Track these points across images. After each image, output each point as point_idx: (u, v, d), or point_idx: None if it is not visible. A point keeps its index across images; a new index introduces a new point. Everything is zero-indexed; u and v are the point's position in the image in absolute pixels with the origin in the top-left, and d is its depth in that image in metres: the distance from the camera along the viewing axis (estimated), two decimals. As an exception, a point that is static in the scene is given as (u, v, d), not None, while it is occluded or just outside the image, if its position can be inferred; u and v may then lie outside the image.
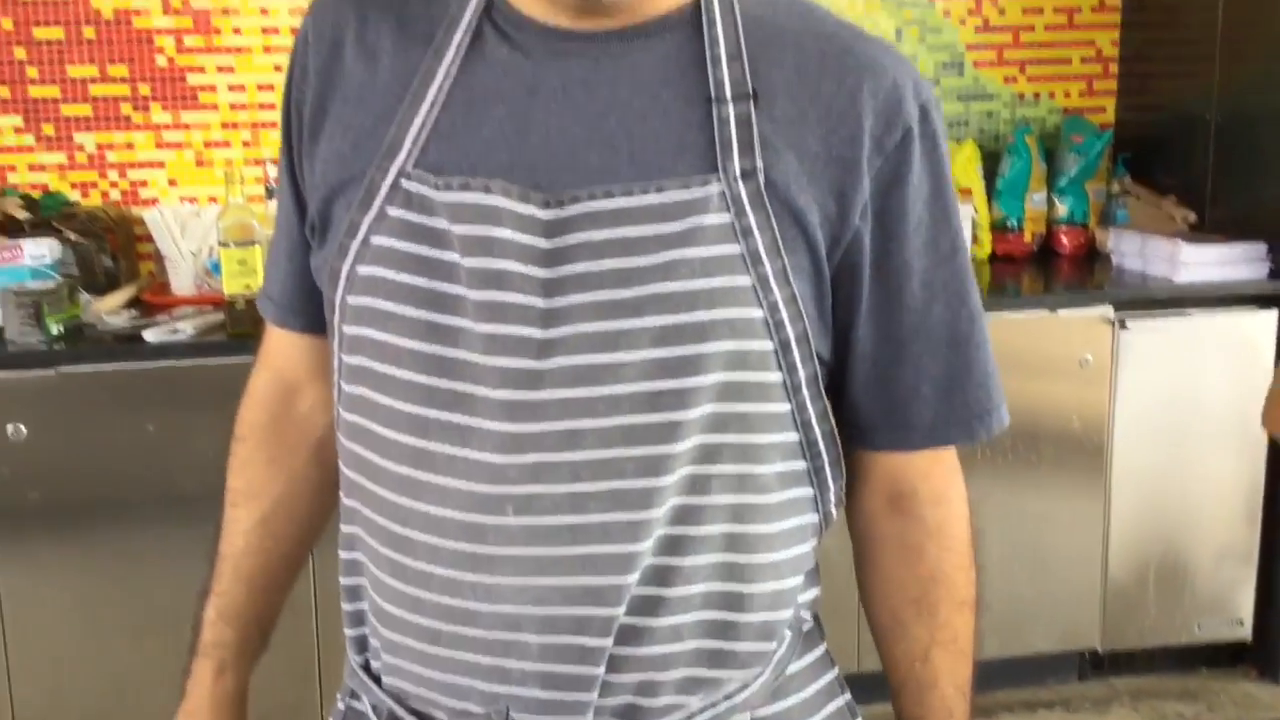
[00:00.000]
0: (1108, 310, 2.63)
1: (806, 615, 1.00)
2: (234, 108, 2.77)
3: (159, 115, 2.74)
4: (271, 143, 2.73)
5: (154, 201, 2.76)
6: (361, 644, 0.99)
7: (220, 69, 2.75)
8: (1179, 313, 2.67)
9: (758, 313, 0.88)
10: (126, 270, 2.68)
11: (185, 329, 2.32)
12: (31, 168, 2.72)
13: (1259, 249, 2.70)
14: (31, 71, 2.68)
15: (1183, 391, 2.69)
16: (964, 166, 2.99)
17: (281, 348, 1.07)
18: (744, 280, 0.87)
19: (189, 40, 2.73)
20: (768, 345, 0.89)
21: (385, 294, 0.89)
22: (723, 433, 0.88)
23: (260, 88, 2.76)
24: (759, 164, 0.88)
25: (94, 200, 2.74)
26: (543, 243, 0.86)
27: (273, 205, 1.11)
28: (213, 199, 2.74)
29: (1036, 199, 3.03)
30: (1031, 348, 2.64)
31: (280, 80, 0.99)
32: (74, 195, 2.73)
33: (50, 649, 2.32)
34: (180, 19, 2.72)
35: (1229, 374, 2.68)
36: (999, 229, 3.03)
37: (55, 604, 2.30)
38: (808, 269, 0.90)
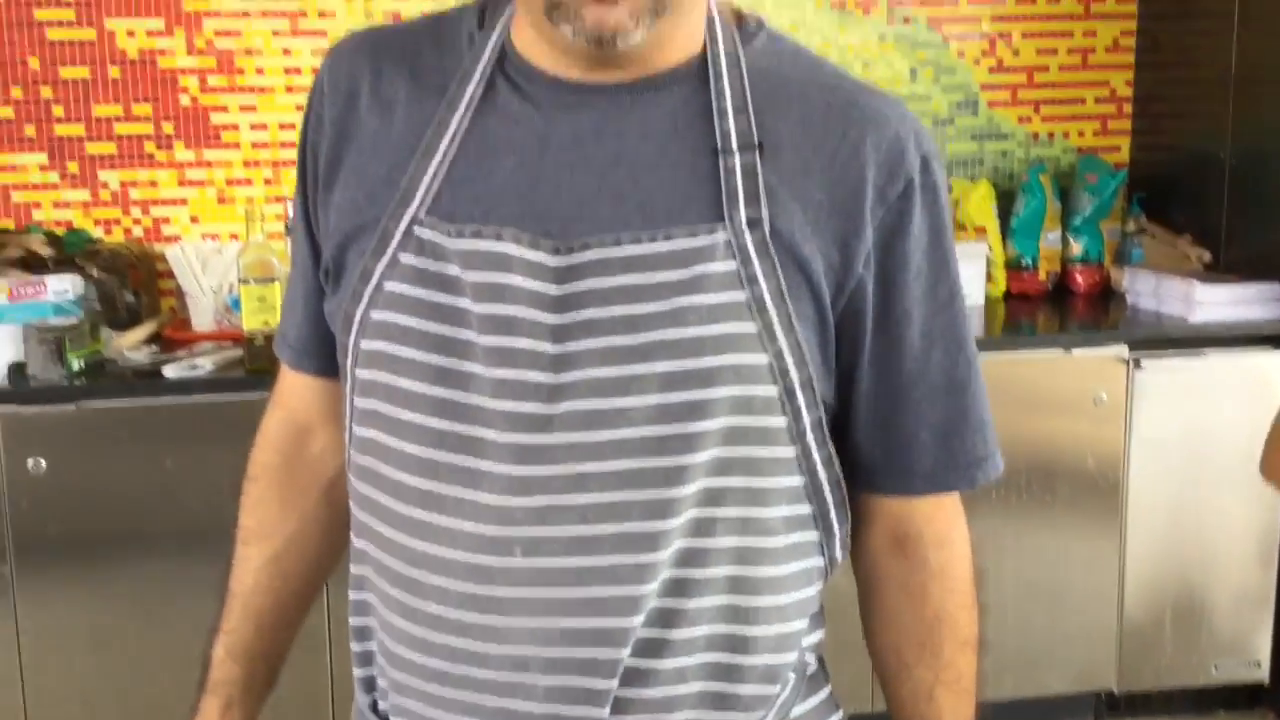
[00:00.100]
0: (1122, 349, 2.64)
1: (811, 658, 1.01)
2: (256, 146, 2.81)
3: (182, 153, 2.79)
4: (292, 181, 2.76)
5: (176, 238, 2.80)
6: (369, 684, 1.00)
7: (243, 108, 2.79)
8: (1194, 352, 2.67)
9: (763, 358, 0.90)
10: (148, 306, 2.72)
11: (204, 364, 2.34)
12: (56, 205, 2.76)
13: (1274, 289, 2.70)
14: (57, 110, 2.73)
15: (1198, 431, 2.69)
16: (979, 205, 3.00)
17: (295, 390, 1.09)
18: (750, 327, 0.89)
19: (212, 80, 2.77)
20: (772, 390, 0.90)
21: (397, 339, 0.91)
22: (728, 476, 0.90)
23: (282, 126, 2.80)
24: (764, 213, 0.90)
25: (117, 237, 2.78)
26: (552, 289, 0.88)
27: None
28: (234, 236, 2.78)
29: (1051, 238, 3.04)
30: (1046, 386, 2.64)
31: (301, 119, 1.02)
32: (98, 232, 2.77)
33: (67, 679, 2.33)
34: (204, 59, 2.77)
35: (1244, 414, 2.66)
36: (1014, 267, 3.04)
37: (72, 635, 2.32)
38: (812, 316, 0.92)
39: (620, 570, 0.88)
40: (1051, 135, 3.18)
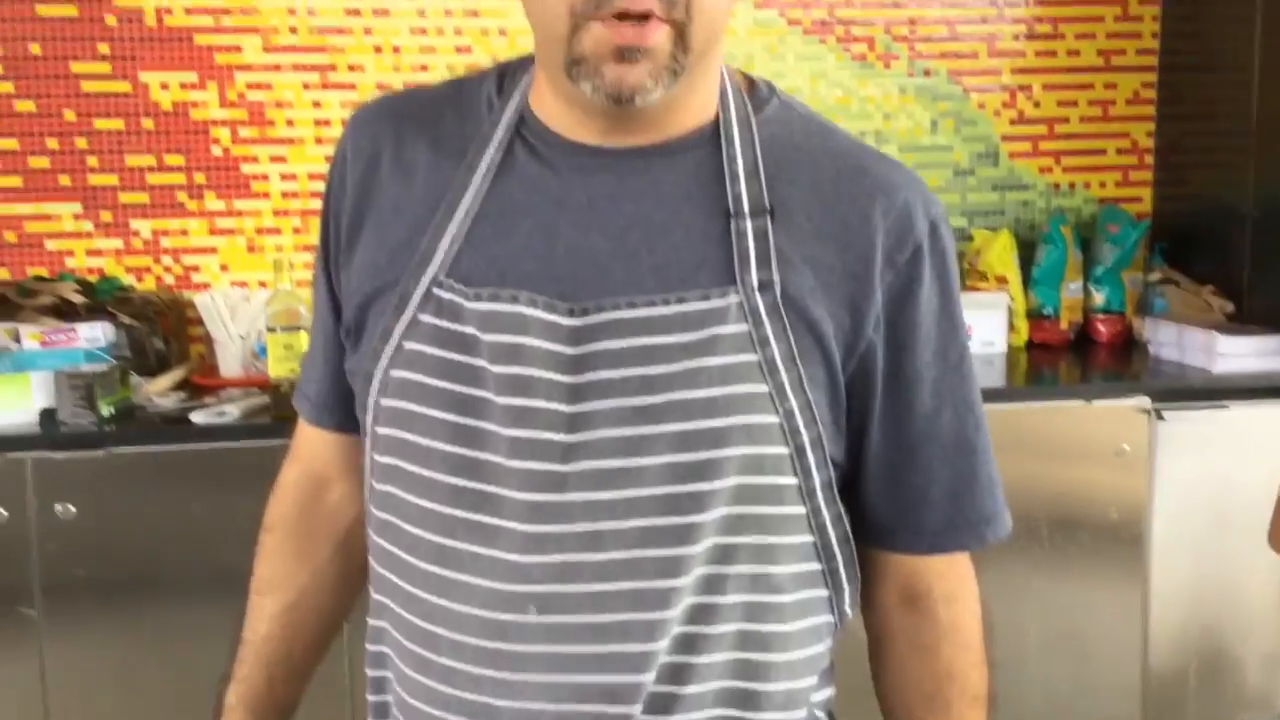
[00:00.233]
0: (1144, 401, 2.63)
1: (821, 715, 1.02)
2: (285, 196, 2.85)
3: (213, 203, 2.84)
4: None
5: (206, 286, 2.84)
6: (385, 735, 1.02)
7: (273, 159, 2.84)
8: (1216, 404, 2.67)
9: (774, 419, 0.91)
10: (177, 352, 2.76)
11: (231, 411, 2.37)
12: (89, 253, 2.81)
13: (1297, 341, 2.69)
14: (92, 161, 2.78)
15: (1221, 483, 2.68)
16: (999, 255, 3.01)
17: (313, 444, 1.11)
18: (761, 388, 0.91)
19: (244, 131, 2.83)
20: (783, 450, 0.92)
21: (416, 397, 0.93)
22: (738, 534, 0.91)
23: (311, 177, 2.85)
24: (775, 276, 0.92)
25: (148, 284, 2.83)
26: (568, 349, 0.90)
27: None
28: (262, 284, 2.82)
29: (1073, 288, 3.05)
30: (1068, 436, 2.64)
31: (325, 183, 1.04)
32: (129, 280, 2.81)
33: (92, 724, 2.35)
34: (236, 111, 2.82)
35: (1268, 466, 2.65)
36: (1035, 316, 3.05)
37: (98, 677, 2.34)
38: (822, 378, 0.94)
39: (633, 627, 0.89)
40: (1073, 186, 3.19)
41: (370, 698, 1.02)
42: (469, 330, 0.92)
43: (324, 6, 2.82)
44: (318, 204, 1.05)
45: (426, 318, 0.93)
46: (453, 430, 0.92)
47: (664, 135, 0.95)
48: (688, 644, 0.91)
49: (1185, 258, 3.08)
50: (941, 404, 0.99)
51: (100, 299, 2.64)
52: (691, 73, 0.90)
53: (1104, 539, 2.67)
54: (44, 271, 2.78)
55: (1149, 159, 3.21)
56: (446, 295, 0.93)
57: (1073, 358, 2.99)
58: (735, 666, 0.93)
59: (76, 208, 2.79)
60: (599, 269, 0.92)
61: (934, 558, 1.02)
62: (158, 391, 2.49)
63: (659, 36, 0.85)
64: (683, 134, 0.95)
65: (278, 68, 2.82)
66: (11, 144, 2.74)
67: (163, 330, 2.70)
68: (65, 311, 2.59)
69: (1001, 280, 3.00)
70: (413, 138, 0.99)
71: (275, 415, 2.39)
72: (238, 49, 2.80)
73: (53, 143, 2.76)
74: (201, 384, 2.61)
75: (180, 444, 2.34)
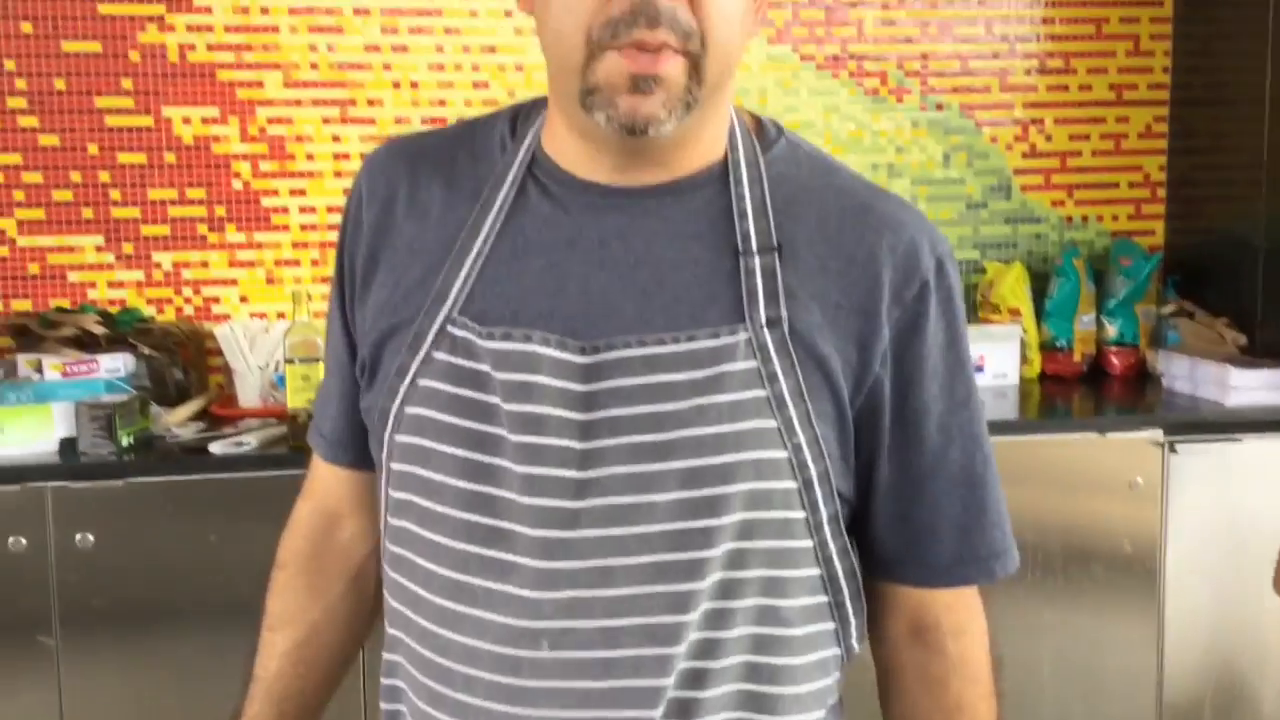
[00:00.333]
0: (1157, 434, 2.64)
1: (830, 748, 1.03)
2: (304, 229, 2.89)
3: (233, 235, 2.87)
4: (338, 262, 2.83)
5: (226, 317, 2.87)
6: (400, 767, 1.03)
7: (292, 192, 2.88)
8: (1229, 437, 2.67)
9: (782, 454, 0.93)
10: (196, 383, 2.79)
11: (249, 441, 2.40)
12: (111, 284, 2.84)
13: (1310, 374, 2.69)
14: (115, 194, 2.82)
15: (1235, 516, 2.67)
16: (1012, 287, 3.03)
17: (327, 481, 1.12)
18: (770, 423, 0.92)
19: (264, 165, 2.87)
20: (791, 485, 0.93)
21: (431, 433, 0.94)
22: (746, 569, 0.92)
23: (330, 210, 2.88)
24: (783, 313, 0.93)
25: (169, 316, 2.86)
26: (579, 387, 0.91)
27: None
28: (281, 315, 2.85)
29: (1086, 320, 3.06)
30: (1082, 469, 2.64)
31: (340, 224, 1.07)
32: (150, 311, 2.85)
33: (108, 753, 2.36)
34: (256, 145, 2.86)
35: (1280, 499, 2.66)
36: (1048, 349, 3.06)
37: (116, 706, 2.35)
38: (831, 413, 0.95)
39: (643, 662, 0.90)
40: (1085, 219, 3.20)
41: (384, 729, 1.04)
42: (483, 368, 0.93)
43: (344, 43, 2.86)
44: (336, 236, 1.07)
45: (441, 355, 0.95)
46: (467, 466, 0.93)
47: (674, 174, 0.96)
48: (696, 678, 0.92)
49: (1198, 291, 3.09)
50: (949, 439, 1.00)
51: (121, 330, 2.68)
52: (703, 106, 0.91)
53: (1118, 571, 2.67)
54: (66, 303, 2.82)
55: (1161, 192, 3.23)
56: (460, 333, 0.94)
57: (1086, 390, 2.99)
58: (744, 699, 0.94)
59: (99, 240, 2.83)
60: (610, 306, 0.93)
61: (942, 591, 1.03)
62: (177, 422, 2.51)
63: (673, 67, 0.87)
64: (692, 172, 0.97)
65: (298, 103, 2.86)
66: (36, 177, 2.79)
67: (182, 361, 2.73)
68: (87, 343, 2.62)
69: (1014, 312, 3.02)
70: (427, 179, 1.01)
71: (292, 446, 2.41)
72: (259, 84, 2.84)
73: (76, 176, 2.81)
74: (220, 414, 2.63)
75: (198, 474, 2.36)
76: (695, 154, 0.97)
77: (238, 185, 2.87)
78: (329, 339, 1.09)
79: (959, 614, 1.05)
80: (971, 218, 3.15)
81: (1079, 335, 3.05)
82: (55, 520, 2.28)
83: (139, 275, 2.85)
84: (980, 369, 2.91)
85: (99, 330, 2.64)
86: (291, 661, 1.12)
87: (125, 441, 2.35)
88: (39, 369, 2.54)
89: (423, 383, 0.95)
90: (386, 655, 1.02)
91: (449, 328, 0.95)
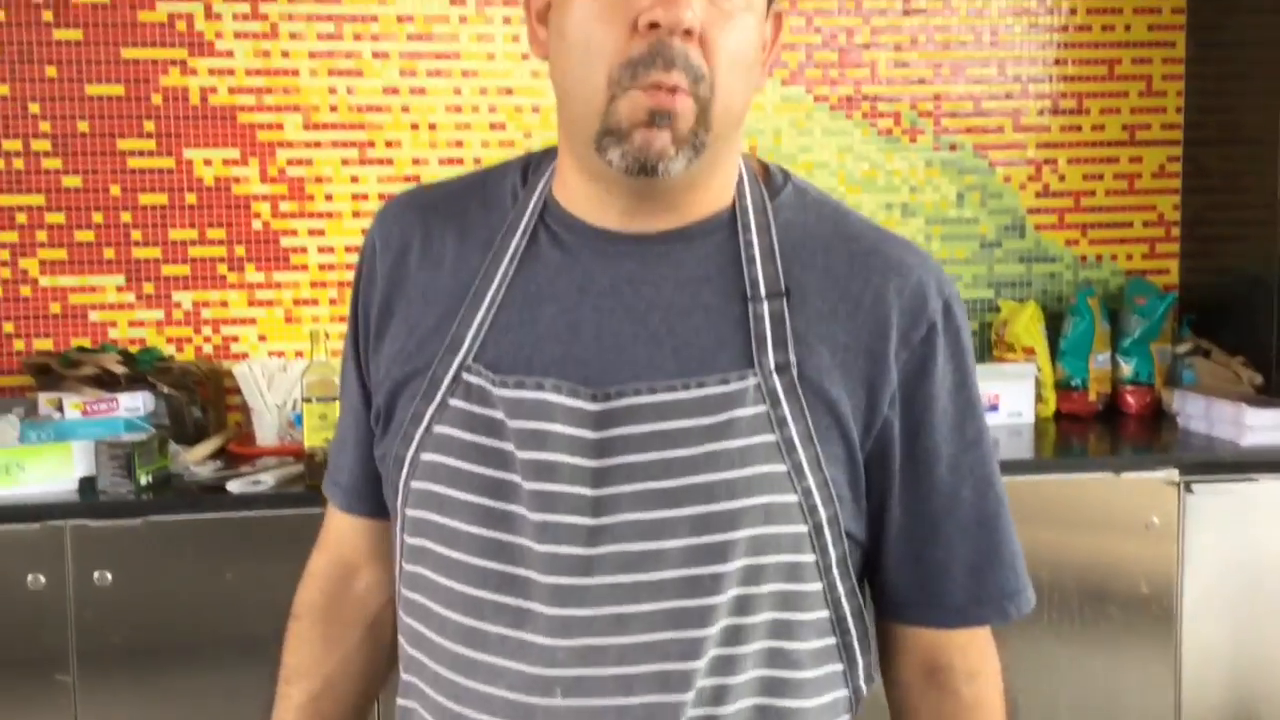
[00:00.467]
0: (1173, 473, 2.63)
1: (843, 792, 1.03)
2: (322, 269, 2.92)
3: (252, 275, 2.90)
4: (355, 301, 2.86)
5: (244, 356, 2.90)
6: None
7: (311, 232, 2.91)
8: (1245, 477, 2.66)
9: (792, 498, 0.93)
10: (215, 421, 2.81)
11: (266, 480, 2.41)
12: (131, 324, 2.87)
13: (1326, 414, 2.69)
14: (136, 235, 2.86)
15: (1252, 556, 2.66)
16: (1026, 326, 3.03)
17: (342, 530, 1.13)
18: (780, 467, 0.93)
19: (284, 205, 2.90)
20: (802, 528, 0.94)
21: (446, 480, 0.95)
22: (752, 614, 0.93)
23: (348, 249, 2.92)
24: (792, 358, 0.94)
25: (188, 355, 2.89)
26: (591, 434, 0.92)
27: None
28: (299, 354, 2.87)
29: (1101, 359, 3.06)
30: (1097, 509, 2.64)
31: (354, 274, 1.08)
32: (169, 349, 2.87)
33: (123, 791, 2.37)
34: (276, 186, 2.89)
35: (1298, 540, 2.65)
36: (1064, 388, 3.05)
37: (131, 745, 2.36)
38: (841, 455, 0.96)
39: (656, 709, 0.91)
40: (1099, 258, 3.21)
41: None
42: (497, 415, 0.94)
43: (363, 86, 2.90)
44: (353, 276, 1.08)
45: (456, 402, 0.96)
46: (482, 513, 0.94)
47: (683, 220, 0.98)
48: None
49: (1213, 330, 3.09)
50: (960, 480, 1.00)
51: (141, 369, 2.70)
52: (711, 152, 0.93)
53: (1134, 612, 2.66)
54: (87, 342, 2.85)
55: (1175, 231, 3.23)
56: (475, 380, 0.95)
57: (1101, 429, 2.99)
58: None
59: (120, 280, 2.86)
60: (621, 353, 0.94)
61: (956, 632, 1.03)
62: (195, 460, 2.53)
63: (685, 105, 0.90)
64: (701, 219, 0.98)
65: (318, 144, 2.90)
66: (59, 218, 2.83)
67: (201, 399, 2.75)
68: (107, 381, 2.64)
69: (1029, 351, 3.02)
70: (440, 229, 1.02)
71: (309, 484, 2.42)
72: (279, 126, 2.88)
73: (98, 217, 2.84)
74: (238, 452, 2.65)
75: (216, 512, 2.37)
76: (704, 200, 0.98)
77: (257, 225, 2.90)
78: (344, 389, 1.10)
79: (973, 656, 1.05)
80: (986, 257, 3.16)
81: (1094, 374, 3.05)
82: (74, 558, 2.30)
83: (159, 314, 2.88)
84: (995, 408, 2.91)
85: (119, 369, 2.67)
86: (307, 715, 1.12)
87: (144, 480, 2.37)
88: (59, 408, 2.57)
89: (438, 429, 0.96)
90: (401, 701, 1.03)
91: (464, 375, 0.96)
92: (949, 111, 3.12)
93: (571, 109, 0.94)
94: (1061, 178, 3.17)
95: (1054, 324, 3.09)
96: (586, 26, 0.90)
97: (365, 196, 2.92)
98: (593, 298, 0.96)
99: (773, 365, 0.94)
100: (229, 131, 2.87)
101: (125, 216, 2.85)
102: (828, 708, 0.98)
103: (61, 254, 2.84)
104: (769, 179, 1.03)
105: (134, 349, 2.83)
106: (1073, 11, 3.13)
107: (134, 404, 2.56)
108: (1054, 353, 3.06)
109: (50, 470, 2.37)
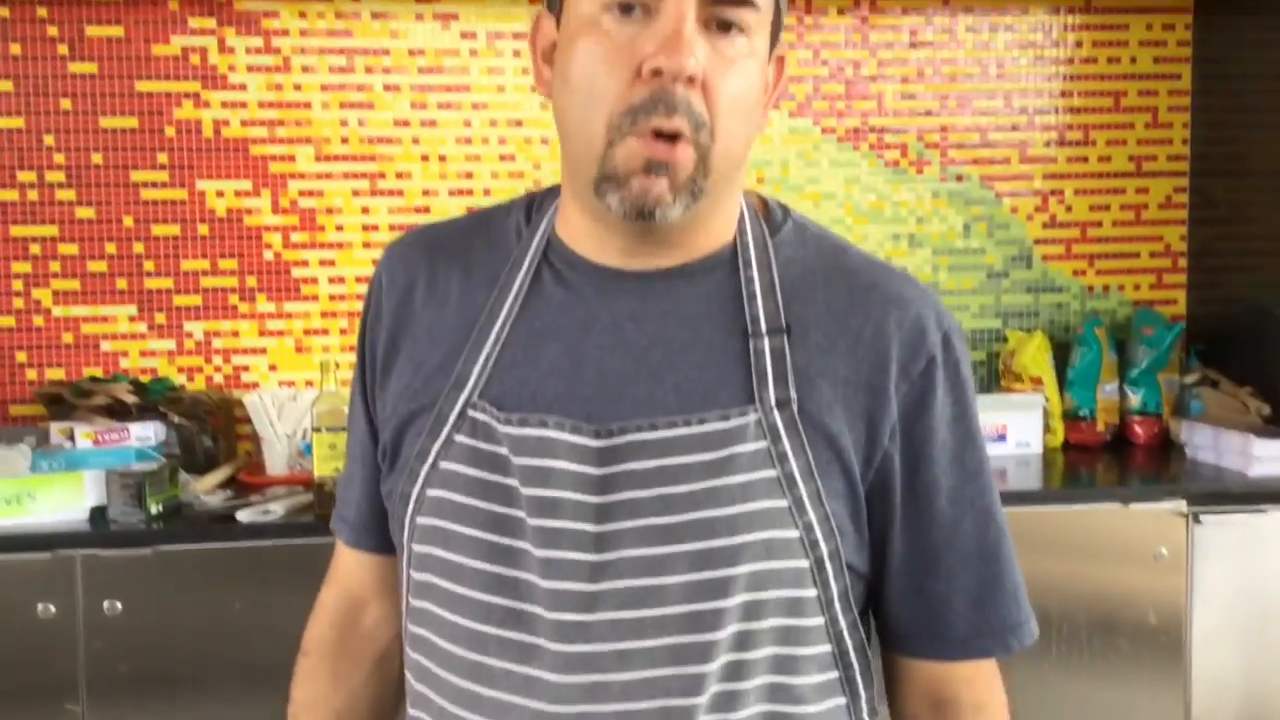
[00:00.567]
0: (1181, 504, 2.63)
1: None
2: (333, 298, 2.94)
3: (263, 305, 2.92)
4: (365, 331, 2.87)
5: (255, 385, 2.92)
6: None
7: (322, 262, 2.94)
8: (1254, 509, 2.65)
9: (794, 533, 0.94)
10: (225, 450, 2.82)
11: (276, 509, 2.42)
12: (143, 354, 2.90)
13: (1334, 444, 2.68)
14: (148, 265, 2.88)
15: (1261, 587, 2.65)
16: (1033, 356, 3.04)
17: (350, 566, 1.14)
18: (781, 503, 0.93)
19: (295, 236, 2.92)
20: (803, 563, 0.94)
21: (451, 515, 0.96)
22: (753, 650, 0.93)
23: (358, 280, 2.94)
24: (793, 393, 0.95)
25: (199, 384, 2.91)
26: (594, 470, 0.92)
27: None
28: (309, 383, 2.89)
29: (1109, 389, 3.06)
30: (1105, 540, 2.63)
31: (361, 313, 1.09)
32: (180, 379, 2.89)
33: (131, 821, 2.37)
34: (288, 217, 2.92)
35: (1307, 571, 2.64)
36: (1072, 418, 3.06)
37: (139, 775, 2.36)
38: (841, 489, 0.96)
39: None
40: (1107, 288, 3.22)
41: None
42: (502, 451, 0.95)
43: (374, 118, 2.93)
44: (363, 306, 1.09)
45: (462, 438, 0.97)
46: (488, 548, 0.95)
47: (684, 257, 0.99)
48: None
49: (1221, 360, 3.09)
50: (961, 512, 1.01)
51: (152, 399, 2.72)
52: (712, 195, 0.94)
53: (1143, 643, 2.65)
54: (99, 372, 2.87)
55: (1182, 262, 3.24)
56: (481, 416, 0.96)
57: (1109, 459, 2.99)
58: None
59: (132, 310, 2.89)
60: (623, 389, 0.95)
61: (961, 665, 1.04)
62: (205, 489, 2.54)
63: (685, 155, 0.91)
64: (702, 256, 1.00)
65: (329, 176, 2.93)
66: (72, 249, 2.85)
67: (212, 429, 2.77)
68: (118, 411, 2.66)
69: (1036, 381, 3.02)
70: (445, 267, 1.04)
71: (319, 514, 2.43)
72: (291, 158, 2.91)
73: (111, 248, 2.87)
74: (248, 482, 2.67)
75: (226, 542, 2.38)
76: (705, 238, 0.99)
77: (269, 256, 2.92)
78: (351, 426, 1.11)
79: (979, 688, 1.05)
80: (993, 287, 3.17)
81: (1102, 404, 3.05)
82: (84, 588, 2.31)
83: (170, 344, 2.90)
84: (1003, 438, 2.91)
85: (130, 399, 2.69)
86: None
87: (154, 509, 2.38)
88: (71, 437, 2.59)
89: (444, 465, 0.97)
90: (408, 735, 1.04)
91: (469, 411, 0.97)
92: (956, 143, 3.14)
93: (572, 150, 0.96)
94: (1068, 209, 3.18)
95: (1061, 354, 3.09)
96: (590, 70, 0.91)
97: (376, 227, 2.94)
98: (595, 335, 0.97)
99: (773, 401, 0.95)
100: (241, 163, 2.90)
101: (138, 247, 2.88)
102: (830, 742, 0.99)
103: (74, 284, 2.86)
104: (769, 215, 1.04)
105: (145, 379, 2.85)
106: (1078, 44, 3.15)
107: (145, 433, 2.58)
108: (1062, 383, 3.06)
109: (61, 499, 2.38)
